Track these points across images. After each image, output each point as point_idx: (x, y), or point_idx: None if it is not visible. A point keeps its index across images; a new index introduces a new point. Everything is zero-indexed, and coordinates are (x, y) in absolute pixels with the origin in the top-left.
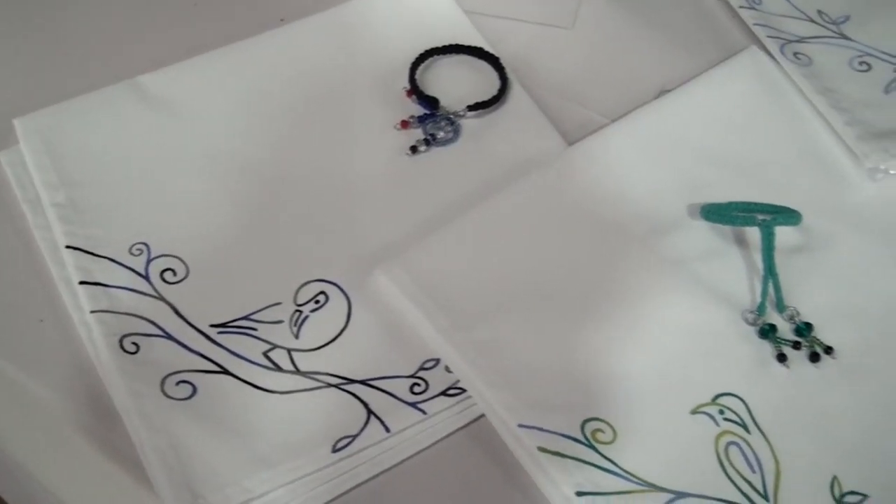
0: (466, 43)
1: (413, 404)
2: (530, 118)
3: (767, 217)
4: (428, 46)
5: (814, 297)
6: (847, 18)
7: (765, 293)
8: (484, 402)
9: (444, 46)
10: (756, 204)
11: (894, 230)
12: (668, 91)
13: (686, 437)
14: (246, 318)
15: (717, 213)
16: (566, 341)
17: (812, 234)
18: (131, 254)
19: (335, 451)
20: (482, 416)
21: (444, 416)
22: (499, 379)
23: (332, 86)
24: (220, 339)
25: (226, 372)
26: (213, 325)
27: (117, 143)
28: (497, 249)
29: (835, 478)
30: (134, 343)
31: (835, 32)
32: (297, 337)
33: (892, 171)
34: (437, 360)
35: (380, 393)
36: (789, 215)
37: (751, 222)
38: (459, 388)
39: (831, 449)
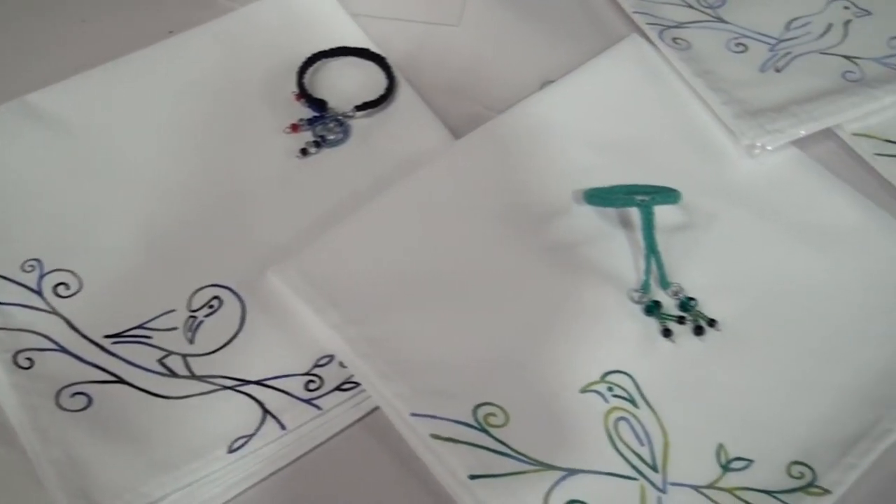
0: (353, 45)
1: (308, 401)
2: (418, 115)
3: (646, 197)
4: (315, 50)
5: (697, 273)
6: (723, 2)
7: (648, 271)
8: (377, 394)
9: (331, 49)
10: (638, 186)
11: (771, 204)
12: (552, 82)
13: (576, 415)
14: (140, 326)
15: (599, 197)
16: (458, 330)
17: (694, 212)
18: (23, 270)
19: (231, 451)
20: (377, 408)
21: (339, 411)
22: (391, 370)
23: (222, 94)
24: (114, 349)
25: (121, 381)
26: (107, 336)
27: (6, 161)
28: (388, 244)
29: (721, 445)
30: (28, 358)
31: (712, 16)
32: (191, 342)
33: (768, 147)
34: (332, 357)
35: (275, 392)
36: (667, 194)
37: (630, 203)
38: (354, 383)
39: (717, 417)
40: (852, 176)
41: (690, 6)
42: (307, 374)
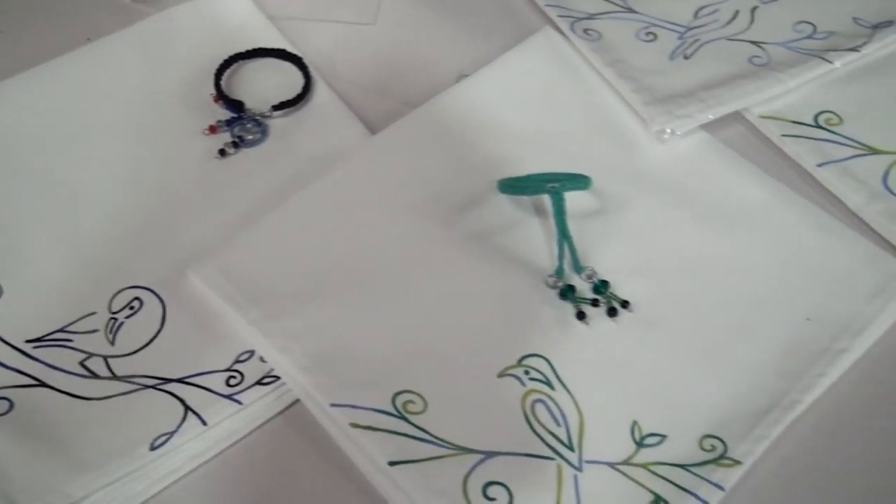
0: (270, 46)
1: (229, 396)
2: (335, 113)
3: (556, 184)
4: (232, 52)
5: (610, 256)
6: None
7: (561, 256)
8: (297, 386)
9: (248, 51)
10: (550, 174)
11: (682, 187)
12: (467, 76)
13: (494, 399)
14: (61, 330)
15: (511, 186)
16: (376, 321)
17: (607, 197)
18: None
19: (153, 448)
20: (297, 400)
21: (260, 405)
22: (310, 363)
23: (141, 98)
24: (36, 353)
25: (43, 384)
26: (28, 341)
27: None
28: (306, 240)
29: (635, 422)
30: None
31: (622, 7)
32: (112, 343)
33: (678, 132)
34: (252, 352)
35: (196, 389)
36: (577, 181)
37: (541, 190)
38: (274, 377)
39: (631, 396)
40: (760, 157)
41: None
42: (228, 370)
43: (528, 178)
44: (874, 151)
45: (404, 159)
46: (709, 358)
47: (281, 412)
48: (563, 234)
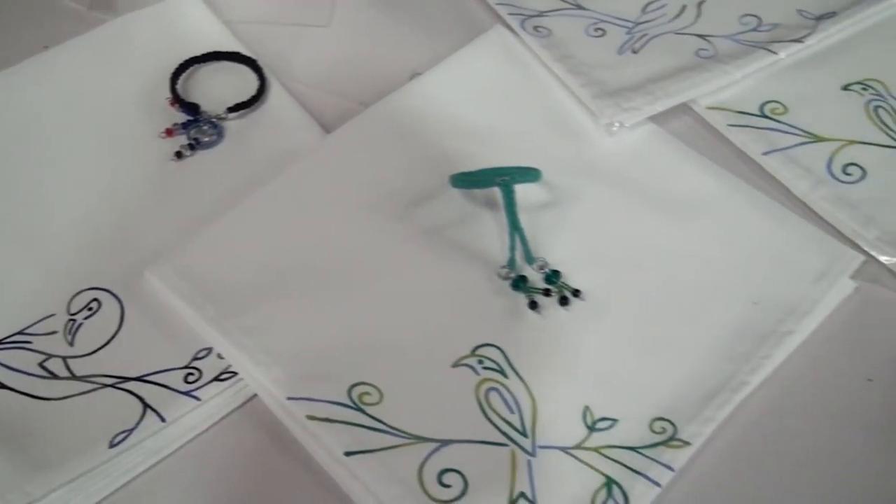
0: (225, 49)
1: (187, 392)
2: (290, 113)
3: (506, 177)
4: (187, 56)
5: (561, 247)
6: None
7: (512, 248)
8: (254, 381)
9: (203, 54)
10: (501, 168)
11: (631, 177)
12: (420, 74)
13: (449, 389)
14: (20, 332)
15: (463, 180)
16: (332, 315)
17: (558, 189)
18: None
19: (112, 446)
20: (255, 395)
21: (218, 401)
22: (267, 358)
23: (99, 103)
24: None
25: (2, 386)
26: None
27: None
28: (262, 238)
29: (587, 407)
30: None
31: (571, 4)
32: (71, 344)
33: (626, 124)
34: (210, 349)
35: (155, 386)
36: (527, 173)
37: (491, 183)
38: (232, 372)
39: (582, 381)
40: (708, 147)
41: None
42: (186, 367)
43: (480, 172)
44: (818, 139)
45: (358, 157)
46: (659, 343)
47: (239, 407)
48: (515, 226)
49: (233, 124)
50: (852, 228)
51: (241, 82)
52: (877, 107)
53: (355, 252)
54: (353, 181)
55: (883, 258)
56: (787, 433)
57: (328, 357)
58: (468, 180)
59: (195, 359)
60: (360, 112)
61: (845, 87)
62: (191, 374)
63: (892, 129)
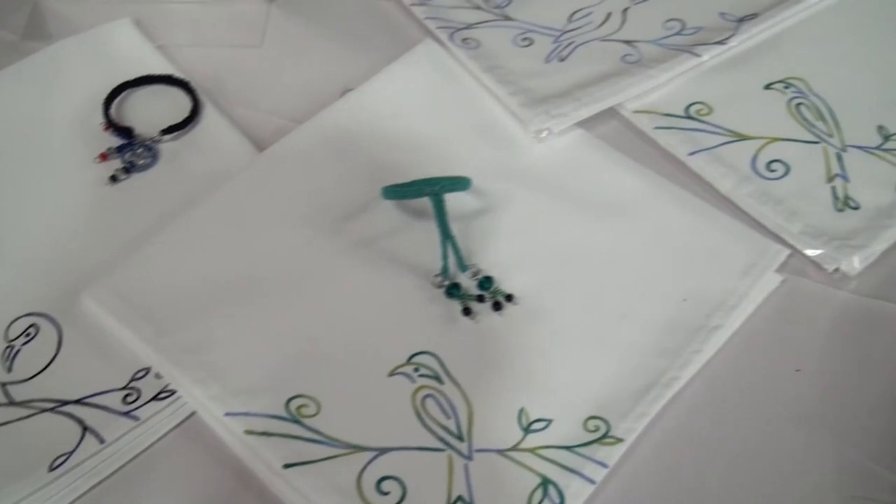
0: (157, 73)
1: (126, 413)
2: (224, 133)
3: (436, 187)
4: (120, 81)
5: (494, 253)
6: (510, 1)
7: (445, 256)
8: (193, 398)
9: (136, 78)
10: (431, 178)
11: (561, 182)
12: (352, 90)
13: (386, 397)
14: None
15: (394, 192)
16: (269, 329)
17: (489, 197)
18: None
19: (52, 469)
20: (194, 412)
21: (157, 419)
22: (205, 375)
23: (33, 131)
24: None
25: None
26: None
27: None
28: (198, 256)
29: (522, 409)
30: None
31: (499, 15)
32: (9, 371)
33: (555, 131)
34: (148, 369)
35: (94, 409)
36: (457, 182)
37: (421, 194)
38: (170, 391)
39: (517, 384)
40: (635, 149)
41: (479, 7)
42: (125, 387)
43: (411, 183)
44: (742, 137)
45: (292, 173)
46: (591, 343)
47: (178, 425)
48: (446, 235)
49: (167, 146)
50: (777, 223)
51: (174, 105)
52: (798, 104)
53: (290, 266)
54: (288, 197)
55: (807, 251)
56: (717, 426)
57: (266, 371)
58: (399, 192)
59: (134, 379)
60: (294, 129)
61: (768, 86)
62: (129, 394)
63: (813, 125)
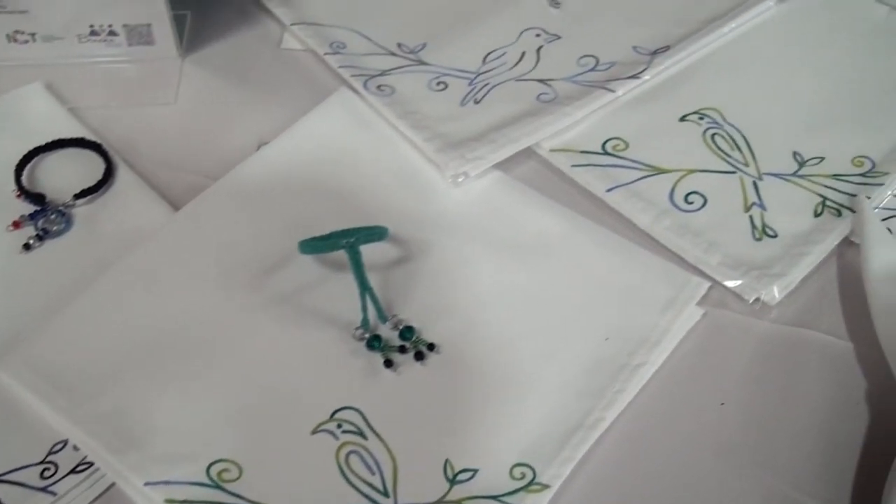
0: (69, 136)
1: (43, 489)
2: (138, 194)
3: (351, 239)
4: (32, 146)
5: (415, 302)
6: (424, 46)
7: (364, 308)
8: (111, 469)
9: (48, 143)
10: (348, 230)
11: (481, 226)
12: (267, 143)
13: (309, 456)
14: None
15: (310, 246)
16: (188, 393)
17: (408, 245)
18: None
19: None
20: (114, 484)
21: (76, 493)
22: (122, 444)
23: None
24: None
25: None
26: None
27: None
28: (114, 321)
29: (447, 460)
30: None
31: (413, 60)
32: None
33: (471, 174)
34: (66, 441)
35: (10, 486)
36: (373, 233)
37: (337, 247)
38: (88, 463)
39: (441, 435)
40: (553, 188)
41: (394, 54)
42: (42, 462)
43: (327, 236)
44: (659, 171)
45: (209, 231)
46: (515, 388)
47: (98, 497)
48: (364, 287)
49: (81, 211)
50: (696, 256)
51: (87, 168)
52: (714, 134)
53: (208, 327)
54: (204, 256)
55: (727, 282)
56: (644, 464)
57: (186, 436)
58: (315, 246)
59: (51, 452)
60: (209, 186)
61: (683, 118)
62: (47, 468)
63: (729, 155)
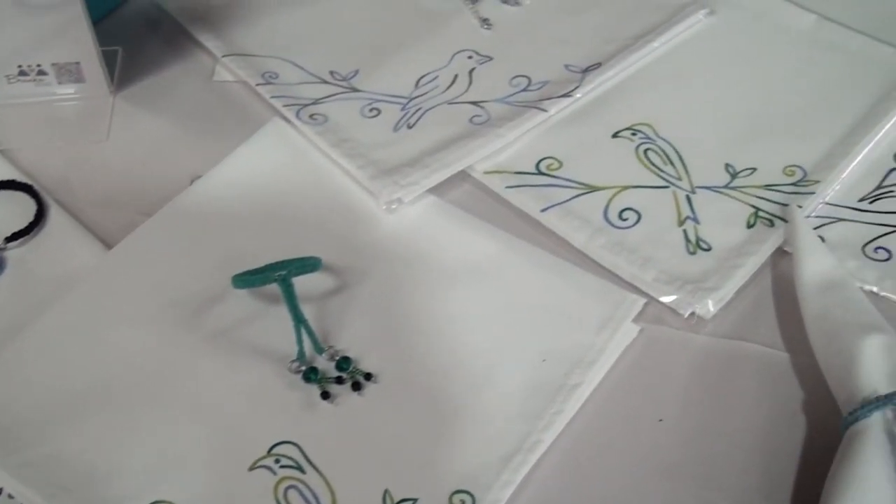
0: (0, 179)
1: None
2: (71, 234)
3: (283, 272)
4: None
5: (352, 331)
6: (357, 73)
7: (300, 341)
8: None
9: None
10: (281, 262)
11: (414, 253)
12: (200, 177)
13: (247, 494)
14: None
15: (243, 280)
16: (125, 433)
17: (344, 274)
18: None
19: None
20: None
21: None
22: (58, 490)
23: None
24: None
25: None
26: None
27: None
28: (48, 366)
29: (386, 491)
30: None
31: (346, 87)
32: None
33: (405, 200)
34: (1, 490)
35: None
36: (304, 264)
37: (269, 280)
38: None
39: (381, 465)
40: (488, 211)
41: (326, 82)
42: None
43: (259, 269)
44: (593, 189)
45: (142, 269)
46: (454, 414)
47: None
48: (298, 319)
49: (13, 254)
50: (631, 272)
51: (19, 210)
52: (646, 149)
53: (143, 367)
54: (139, 294)
55: (662, 298)
56: (584, 485)
57: (123, 479)
58: (248, 280)
59: None
60: (142, 223)
61: (615, 135)
62: None
63: (662, 170)
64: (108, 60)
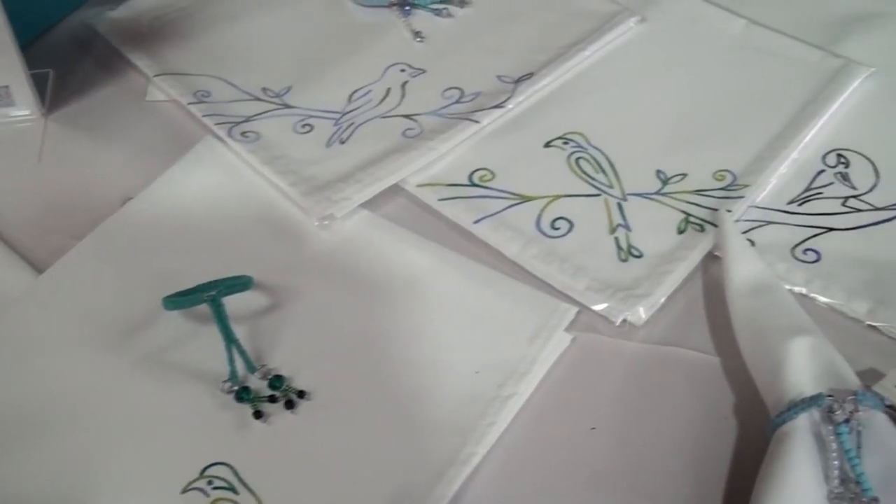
0: None
1: None
2: (1, 258)
3: (213, 292)
4: None
5: (285, 350)
6: (289, 89)
7: (231, 360)
8: None
9: None
10: (211, 283)
11: (347, 268)
12: (132, 198)
13: None
14: None
15: (174, 302)
16: (55, 461)
17: (277, 292)
18: None
19: None
20: None
21: None
22: None
23: None
24: None
25: None
26: None
27: None
28: None
29: None
30: None
31: (279, 104)
32: None
33: (338, 216)
34: None
35: None
36: (235, 283)
37: (199, 301)
38: None
39: (315, 483)
40: (422, 224)
41: (259, 99)
42: None
43: (190, 290)
44: (526, 199)
45: (73, 293)
46: (388, 430)
47: None
48: (229, 339)
49: None
50: (563, 282)
51: None
52: (578, 158)
53: (74, 391)
54: (69, 319)
55: (594, 306)
56: (518, 496)
57: (54, 502)
58: (178, 302)
59: None
60: (74, 246)
61: (547, 144)
62: None
63: (593, 178)
64: (39, 82)
